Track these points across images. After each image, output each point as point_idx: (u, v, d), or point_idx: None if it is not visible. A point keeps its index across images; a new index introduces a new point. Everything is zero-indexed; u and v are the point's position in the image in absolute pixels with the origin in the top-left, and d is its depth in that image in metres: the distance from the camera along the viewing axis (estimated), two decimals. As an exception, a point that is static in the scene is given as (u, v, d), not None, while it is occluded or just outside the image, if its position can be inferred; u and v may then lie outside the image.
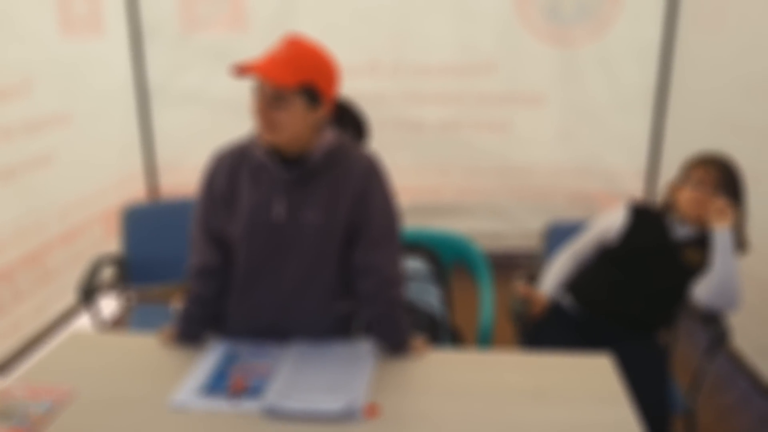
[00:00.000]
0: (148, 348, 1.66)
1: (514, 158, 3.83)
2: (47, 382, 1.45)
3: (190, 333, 1.66)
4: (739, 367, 2.81)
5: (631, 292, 2.04)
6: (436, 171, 3.90)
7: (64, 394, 1.40)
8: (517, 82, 3.72)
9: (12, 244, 2.79)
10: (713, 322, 1.98)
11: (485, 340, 2.08)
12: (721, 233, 1.92)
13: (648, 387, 1.79)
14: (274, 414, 1.36)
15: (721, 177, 1.99)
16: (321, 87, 1.49)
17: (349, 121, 1.80)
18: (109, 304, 3.02)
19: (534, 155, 3.82)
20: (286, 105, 1.46)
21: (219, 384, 1.47)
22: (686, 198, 2.01)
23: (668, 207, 2.10)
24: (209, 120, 3.76)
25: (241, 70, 1.43)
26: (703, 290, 1.94)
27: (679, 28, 3.52)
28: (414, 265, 2.16)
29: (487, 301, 2.16)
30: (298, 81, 1.44)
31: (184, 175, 3.88)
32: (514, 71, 3.70)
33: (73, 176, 3.22)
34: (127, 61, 3.73)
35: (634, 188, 3.78)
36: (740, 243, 1.99)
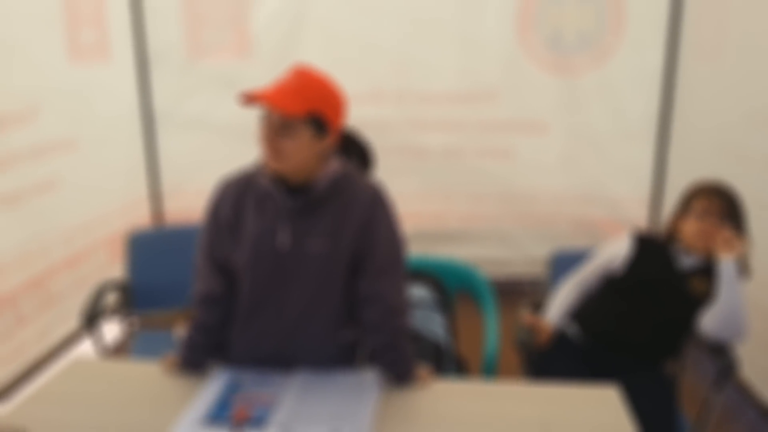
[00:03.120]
0: (150, 376, 1.65)
1: (517, 185, 3.84)
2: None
3: (194, 361, 1.65)
4: (747, 397, 2.78)
5: (637, 322, 2.02)
6: (440, 197, 3.90)
7: None
8: (520, 110, 3.74)
9: (16, 269, 2.79)
10: (721, 353, 1.96)
11: (490, 369, 2.06)
12: (726, 264, 1.91)
13: (656, 418, 1.78)
14: (278, 445, 1.35)
15: (725, 206, 1.98)
16: (328, 116, 1.50)
17: (354, 150, 1.81)
18: (112, 330, 3.01)
19: (537, 182, 3.83)
20: (293, 134, 1.47)
21: (222, 413, 1.46)
22: (692, 229, 2.00)
23: (671, 237, 2.10)
24: (214, 146, 3.78)
25: (249, 99, 1.44)
26: (709, 321, 1.93)
27: (680, 56, 3.55)
28: (418, 292, 2.15)
29: (492, 330, 2.15)
30: (305, 110, 1.46)
31: (188, 201, 3.89)
32: (516, 99, 3.73)
33: (77, 201, 3.23)
34: (133, 87, 3.76)
35: (638, 216, 3.78)
36: (743, 270, 1.98)
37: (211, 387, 1.57)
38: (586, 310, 2.14)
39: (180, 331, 1.72)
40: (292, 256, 1.55)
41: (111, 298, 2.56)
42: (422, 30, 3.65)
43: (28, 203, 2.85)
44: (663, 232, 2.16)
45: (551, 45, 3.64)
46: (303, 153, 1.49)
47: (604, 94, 3.66)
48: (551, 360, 2.06)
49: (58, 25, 3.07)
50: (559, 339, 2.10)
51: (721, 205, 1.98)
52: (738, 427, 2.66)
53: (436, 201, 3.90)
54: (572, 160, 3.77)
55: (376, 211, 1.57)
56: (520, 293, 2.49)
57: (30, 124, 2.86)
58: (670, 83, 3.60)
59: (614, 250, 2.15)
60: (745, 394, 2.79)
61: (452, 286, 2.24)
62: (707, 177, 2.10)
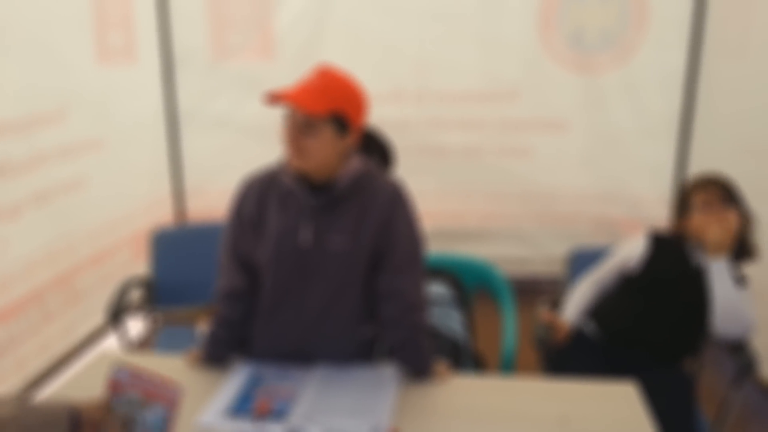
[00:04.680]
0: (175, 369, 1.69)
1: (537, 184, 3.84)
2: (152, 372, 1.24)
3: (217, 355, 1.69)
4: (766, 396, 2.75)
5: (654, 320, 2.02)
6: (459, 196, 3.91)
7: (174, 394, 1.22)
8: (541, 108, 3.74)
9: (43, 266, 2.85)
10: (739, 351, 1.95)
11: (508, 365, 2.08)
12: (714, 263, 1.92)
13: (674, 416, 1.77)
14: (299, 436, 1.38)
15: (723, 193, 2.01)
16: (350, 116, 1.53)
17: (375, 148, 1.84)
18: (136, 325, 3.06)
19: (557, 181, 3.82)
20: (316, 132, 1.50)
21: (244, 406, 1.49)
22: (700, 223, 2.00)
23: (681, 239, 2.09)
24: (237, 147, 3.83)
25: (274, 98, 1.48)
26: (716, 322, 1.93)
27: (703, 55, 3.52)
28: (437, 289, 2.17)
29: (510, 327, 2.16)
30: (328, 109, 1.48)
31: (210, 200, 3.94)
32: (537, 98, 3.72)
33: (103, 200, 3.29)
34: (158, 88, 3.83)
35: (659, 215, 3.75)
36: (749, 251, 1.99)
37: (234, 380, 1.61)
38: (603, 308, 2.14)
39: (203, 327, 1.76)
40: (313, 253, 1.58)
41: (135, 295, 2.61)
42: (443, 30, 3.66)
43: (55, 202, 2.91)
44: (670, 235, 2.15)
45: (573, 43, 3.63)
46: (325, 151, 1.52)
47: (626, 92, 3.64)
48: (569, 357, 2.07)
49: (87, 28, 3.13)
50: (577, 337, 2.11)
51: (718, 192, 2.01)
52: (757, 426, 2.64)
53: (455, 200, 3.91)
54: (593, 158, 3.76)
55: (397, 208, 1.60)
56: (539, 291, 2.50)
57: (59, 124, 2.92)
58: (692, 82, 3.57)
59: (630, 250, 2.15)
60: (764, 393, 2.76)
61: (471, 283, 2.26)
62: (699, 173, 2.12)
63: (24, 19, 2.69)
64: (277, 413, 1.46)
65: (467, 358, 2.07)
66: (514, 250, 3.90)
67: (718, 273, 1.92)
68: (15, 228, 2.65)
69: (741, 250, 1.99)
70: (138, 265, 3.28)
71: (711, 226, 1.95)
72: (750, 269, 2.02)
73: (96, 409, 1.22)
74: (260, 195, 1.63)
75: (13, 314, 2.67)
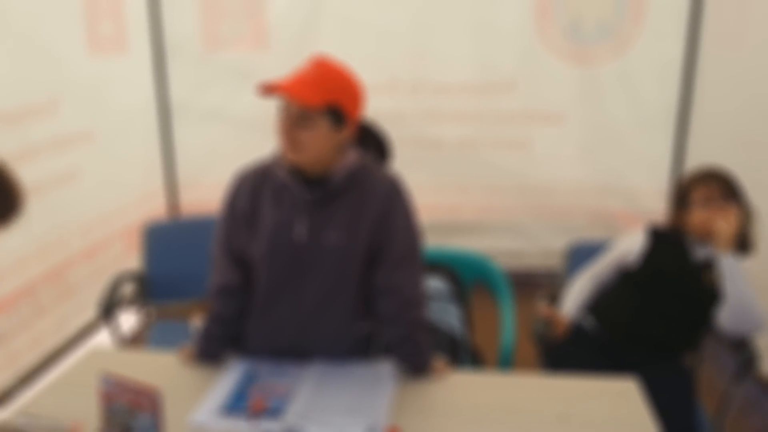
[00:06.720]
0: (167, 366, 1.66)
1: (533, 176, 3.82)
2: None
3: (210, 352, 1.66)
4: (766, 391, 2.75)
5: (653, 314, 2.01)
6: (455, 189, 3.89)
7: (155, 400, 1.24)
8: (537, 100, 3.71)
9: (35, 260, 2.82)
10: (740, 347, 1.94)
11: (506, 361, 2.06)
12: (725, 260, 1.89)
13: (674, 411, 1.76)
14: (295, 435, 1.35)
15: (724, 187, 1.98)
16: (346, 108, 1.50)
17: (371, 142, 1.81)
18: (128, 320, 3.03)
19: (554, 174, 3.80)
20: (311, 125, 1.46)
21: (239, 404, 1.47)
22: (701, 219, 1.98)
23: (680, 233, 2.07)
24: (229, 138, 3.79)
25: (268, 90, 1.44)
26: (724, 318, 1.90)
27: (701, 46, 3.50)
28: (434, 284, 2.14)
29: (508, 322, 2.14)
30: (323, 101, 1.45)
31: (204, 193, 3.91)
32: (533, 90, 3.69)
33: (95, 193, 3.25)
34: (149, 79, 3.78)
35: (656, 207, 3.73)
36: (745, 245, 1.97)
37: (228, 378, 1.58)
38: (602, 302, 2.12)
39: (196, 322, 1.73)
40: (308, 248, 1.55)
41: (127, 289, 2.58)
42: (438, 20, 3.62)
43: (47, 195, 2.87)
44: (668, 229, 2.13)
45: (570, 34, 3.60)
46: (321, 144, 1.49)
47: (623, 84, 3.62)
48: (568, 352, 2.05)
49: (78, 18, 3.08)
50: (576, 331, 2.09)
51: (719, 187, 1.98)
52: (757, 421, 2.63)
53: (451, 193, 3.88)
54: (590, 151, 3.74)
55: (394, 202, 1.57)
56: (536, 285, 2.48)
57: (51, 116, 2.88)
58: (690, 73, 3.55)
59: (628, 245, 2.13)
60: (764, 388, 2.76)
61: (468, 277, 2.24)
62: (699, 166, 2.09)
63: (14, 9, 2.65)
64: (272, 411, 1.43)
65: (465, 354, 2.05)
66: (511, 243, 3.88)
67: (730, 269, 1.89)
68: (6, 221, 2.62)
69: (741, 244, 1.97)
70: (131, 258, 3.24)
71: (717, 221, 1.92)
72: (749, 263, 2.00)
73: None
74: (254, 189, 1.60)
75: (5, 308, 2.64)
